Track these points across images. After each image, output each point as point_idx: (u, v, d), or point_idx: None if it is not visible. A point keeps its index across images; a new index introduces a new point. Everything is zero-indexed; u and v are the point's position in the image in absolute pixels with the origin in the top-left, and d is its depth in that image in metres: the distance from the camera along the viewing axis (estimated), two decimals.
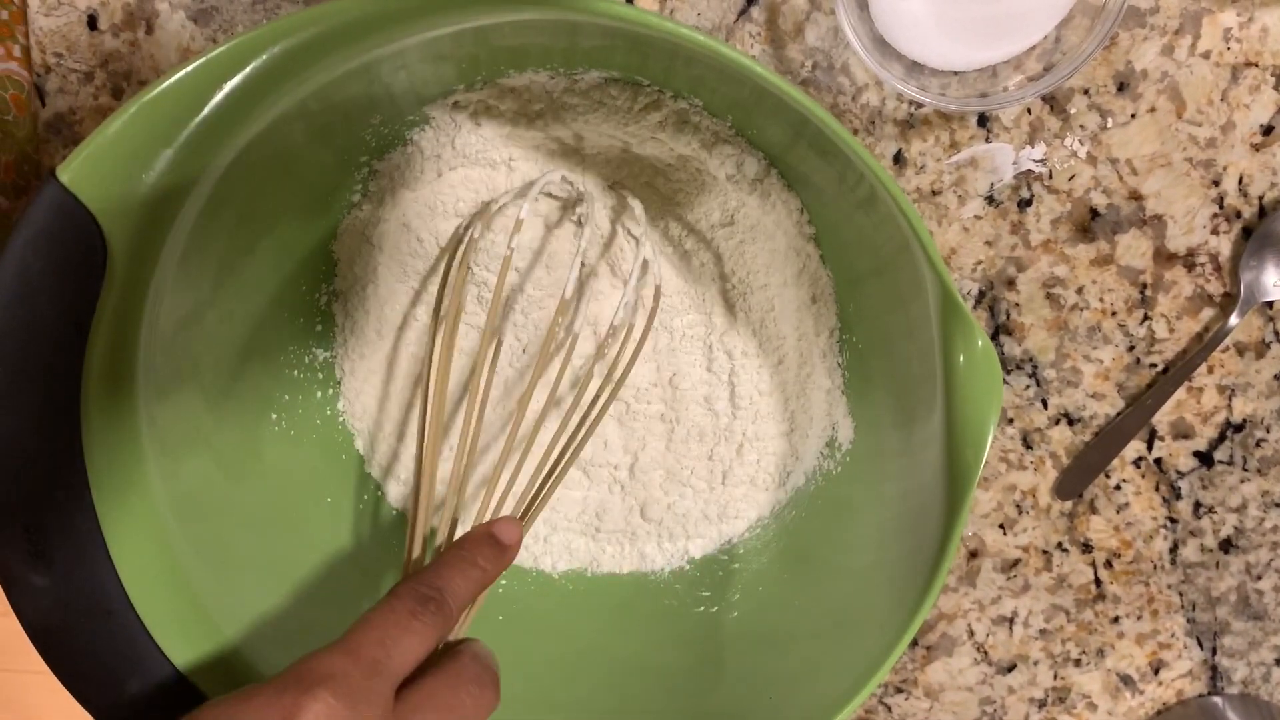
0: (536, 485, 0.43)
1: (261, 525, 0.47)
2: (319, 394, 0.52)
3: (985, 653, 0.57)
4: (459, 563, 0.38)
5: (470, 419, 0.43)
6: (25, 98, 0.53)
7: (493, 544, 0.39)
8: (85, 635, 0.38)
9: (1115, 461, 0.54)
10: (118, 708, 0.39)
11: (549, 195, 0.49)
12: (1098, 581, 0.56)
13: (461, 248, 0.48)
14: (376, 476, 0.53)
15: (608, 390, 0.47)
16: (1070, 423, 0.54)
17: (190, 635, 0.40)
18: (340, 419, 0.52)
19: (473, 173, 0.48)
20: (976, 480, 0.37)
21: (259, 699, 0.30)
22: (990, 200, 0.51)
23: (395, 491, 0.53)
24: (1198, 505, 0.54)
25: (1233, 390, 0.53)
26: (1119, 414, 0.53)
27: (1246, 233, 0.51)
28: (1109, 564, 0.55)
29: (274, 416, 0.49)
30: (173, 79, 0.34)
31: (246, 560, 0.45)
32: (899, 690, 0.58)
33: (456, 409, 0.51)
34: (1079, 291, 0.52)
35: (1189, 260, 0.51)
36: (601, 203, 0.50)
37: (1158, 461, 0.54)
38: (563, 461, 0.44)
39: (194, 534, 0.42)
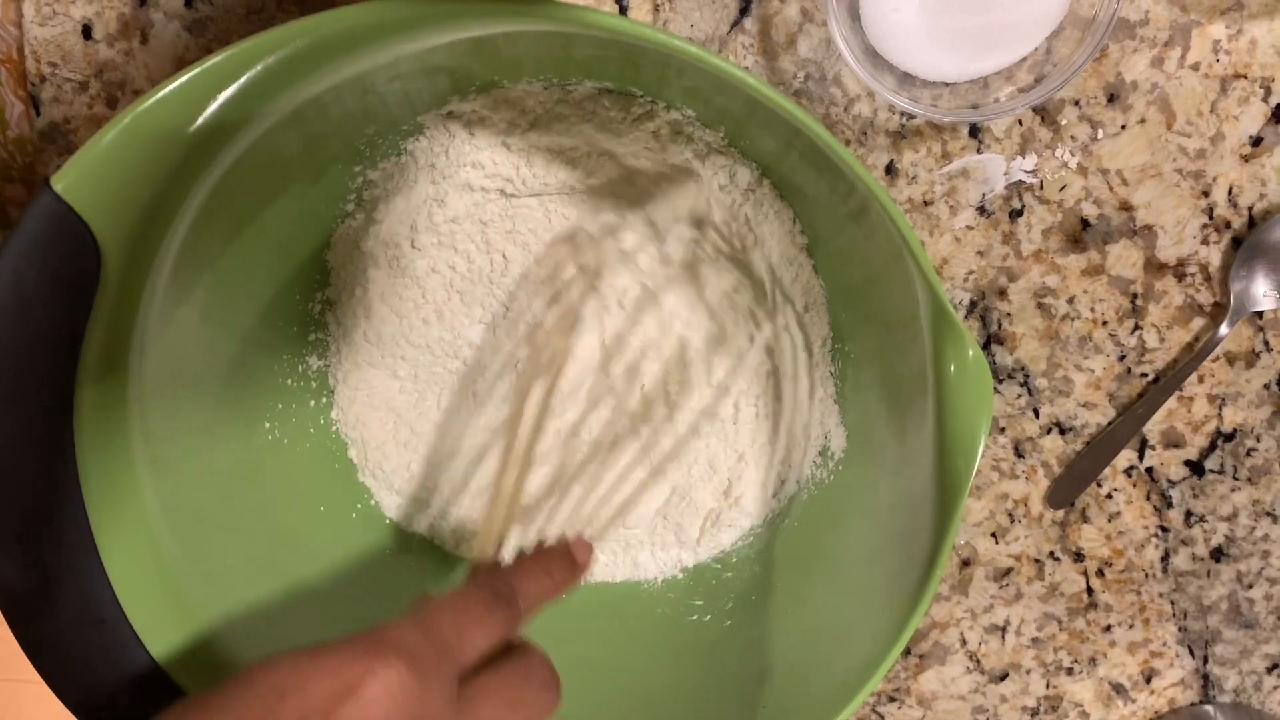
0: (608, 506, 0.45)
1: (254, 534, 0.47)
2: (312, 403, 0.52)
3: (978, 661, 0.57)
4: (535, 571, 0.38)
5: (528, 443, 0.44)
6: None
7: (568, 561, 0.40)
8: (78, 644, 0.38)
9: (1107, 470, 0.54)
10: (110, 717, 0.39)
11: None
12: (1090, 590, 0.56)
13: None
14: (369, 485, 0.53)
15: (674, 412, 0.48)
16: (1062, 432, 0.54)
17: (182, 644, 0.40)
18: (333, 428, 0.52)
19: (466, 182, 0.48)
20: (968, 489, 0.37)
21: (333, 657, 0.30)
22: (982, 210, 0.52)
23: (388, 500, 0.53)
24: (1189, 514, 0.55)
25: (1223, 399, 0.53)
26: (1110, 423, 0.54)
27: (1236, 243, 0.51)
28: (1101, 573, 0.55)
29: (267, 425, 0.49)
30: (168, 89, 0.34)
31: (239, 569, 0.45)
32: (891, 699, 0.58)
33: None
34: (1070, 301, 0.52)
35: (1179, 270, 0.52)
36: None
37: (1149, 470, 0.54)
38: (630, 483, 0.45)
39: (186, 542, 0.42)
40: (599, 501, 0.48)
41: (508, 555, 0.41)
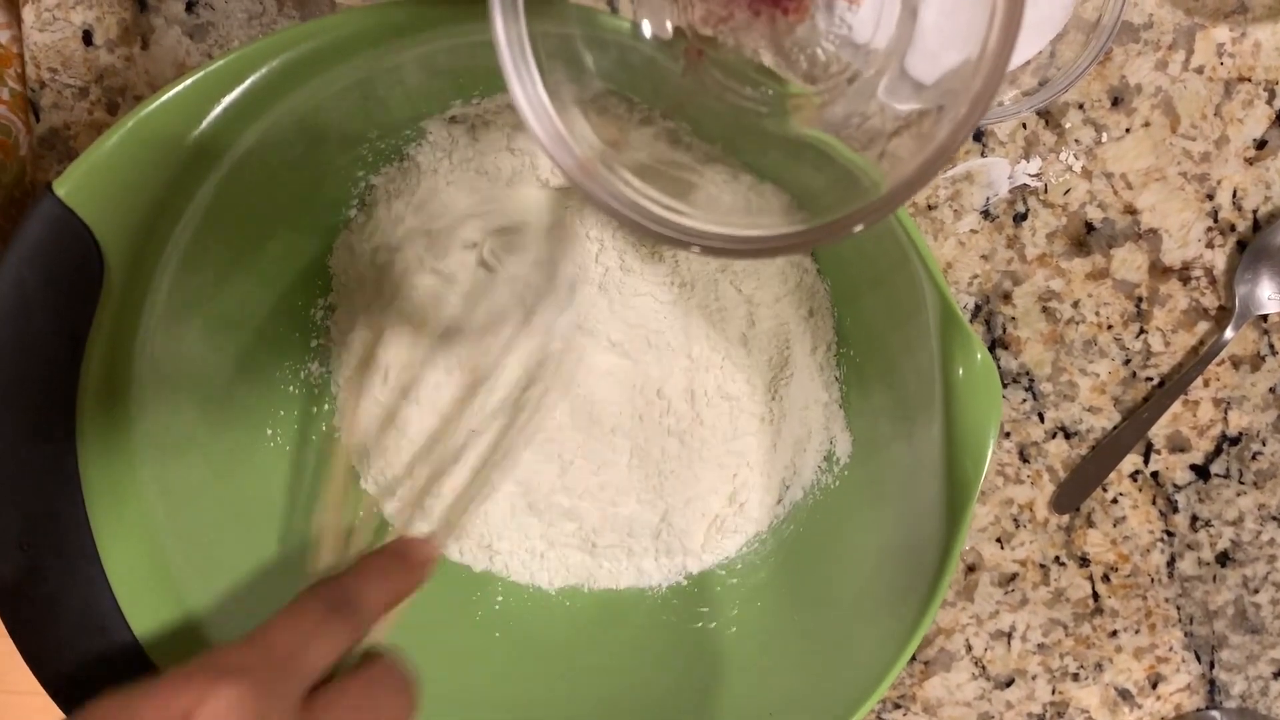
0: (458, 498, 0.44)
1: (257, 541, 0.47)
2: (314, 409, 0.51)
3: (983, 668, 0.57)
4: (372, 574, 0.37)
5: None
6: (13, 143, 0.53)
7: (405, 561, 0.38)
8: (78, 651, 0.38)
9: (1112, 475, 0.54)
10: None
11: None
12: (1095, 595, 0.55)
13: None
14: (371, 491, 0.53)
15: (525, 415, 0.47)
16: (1067, 436, 0.54)
17: (186, 653, 0.40)
18: (336, 434, 0.52)
19: (470, 187, 0.48)
20: (977, 493, 0.37)
21: (164, 687, 0.29)
22: (986, 214, 0.51)
23: (390, 506, 0.53)
24: (1194, 518, 0.54)
25: (1229, 403, 0.53)
26: (1115, 427, 0.53)
27: (1241, 246, 0.51)
28: (1106, 578, 0.55)
29: (269, 431, 0.49)
30: (171, 93, 0.34)
31: (241, 575, 0.45)
32: (897, 706, 0.58)
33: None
34: (1075, 305, 0.52)
35: (1184, 274, 0.52)
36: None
37: (1154, 475, 0.54)
38: (484, 475, 0.45)
39: (188, 548, 0.42)
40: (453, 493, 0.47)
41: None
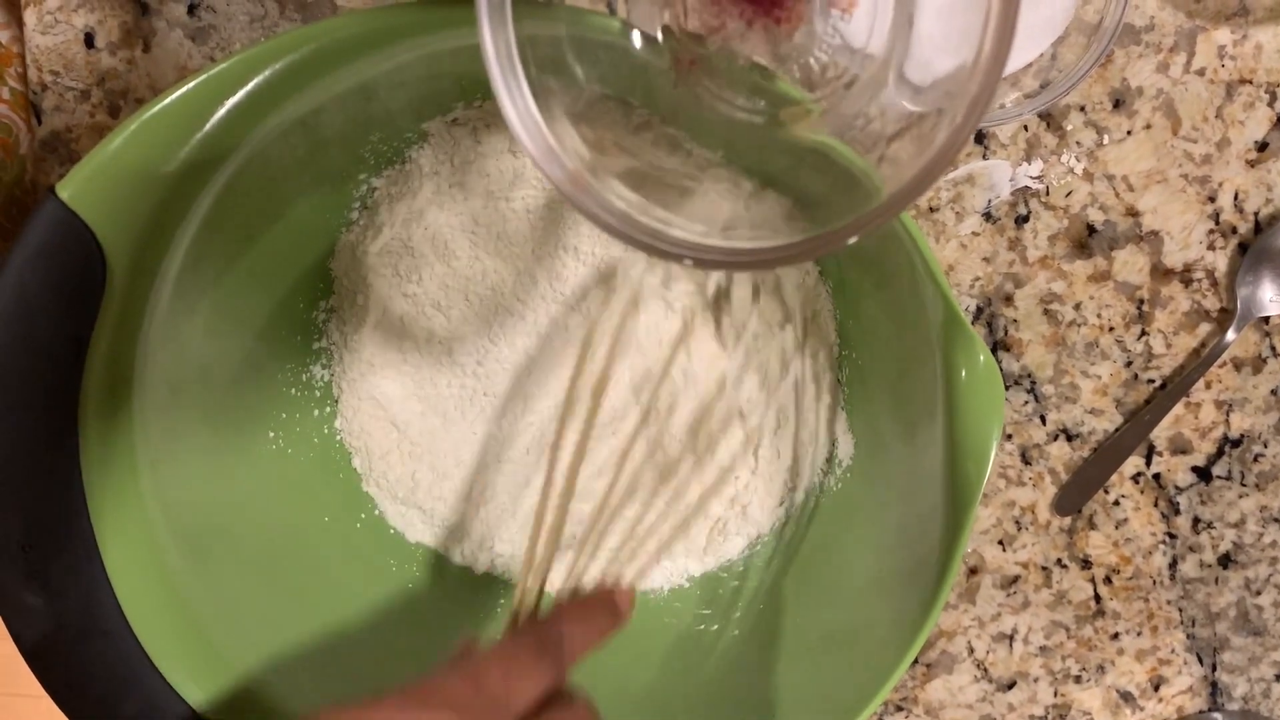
0: (648, 545, 0.44)
1: (259, 544, 0.46)
2: (316, 412, 0.51)
3: (985, 670, 0.57)
4: (580, 619, 0.38)
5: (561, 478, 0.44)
6: (14, 141, 0.53)
7: (610, 608, 0.39)
8: (82, 656, 0.38)
9: (1114, 477, 0.54)
10: None
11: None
12: (1097, 598, 0.55)
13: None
14: (374, 494, 0.53)
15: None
16: (1069, 438, 0.54)
17: (188, 655, 0.40)
18: (338, 437, 0.52)
19: (472, 190, 0.48)
20: (979, 495, 0.37)
21: (380, 713, 0.30)
22: (988, 217, 0.51)
23: (393, 510, 0.53)
24: (1196, 521, 0.54)
25: (1230, 405, 0.53)
26: (1117, 430, 0.53)
27: (1243, 248, 0.51)
28: (1108, 580, 0.55)
29: (271, 434, 0.49)
30: (175, 95, 0.34)
31: (244, 579, 0.45)
32: (899, 709, 0.58)
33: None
34: (1076, 307, 0.52)
35: (1186, 276, 0.52)
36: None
37: (1156, 477, 0.54)
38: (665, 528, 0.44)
39: (191, 552, 0.42)
40: (639, 541, 0.48)
41: (552, 591, 0.41)
